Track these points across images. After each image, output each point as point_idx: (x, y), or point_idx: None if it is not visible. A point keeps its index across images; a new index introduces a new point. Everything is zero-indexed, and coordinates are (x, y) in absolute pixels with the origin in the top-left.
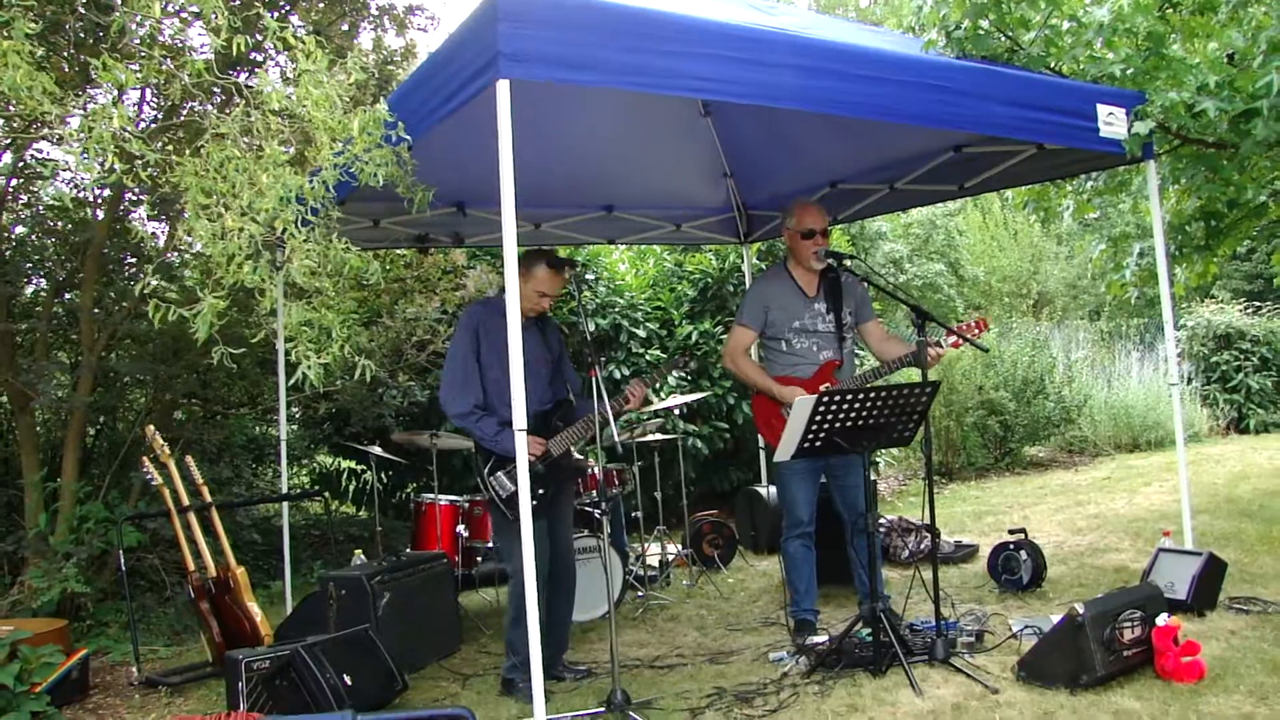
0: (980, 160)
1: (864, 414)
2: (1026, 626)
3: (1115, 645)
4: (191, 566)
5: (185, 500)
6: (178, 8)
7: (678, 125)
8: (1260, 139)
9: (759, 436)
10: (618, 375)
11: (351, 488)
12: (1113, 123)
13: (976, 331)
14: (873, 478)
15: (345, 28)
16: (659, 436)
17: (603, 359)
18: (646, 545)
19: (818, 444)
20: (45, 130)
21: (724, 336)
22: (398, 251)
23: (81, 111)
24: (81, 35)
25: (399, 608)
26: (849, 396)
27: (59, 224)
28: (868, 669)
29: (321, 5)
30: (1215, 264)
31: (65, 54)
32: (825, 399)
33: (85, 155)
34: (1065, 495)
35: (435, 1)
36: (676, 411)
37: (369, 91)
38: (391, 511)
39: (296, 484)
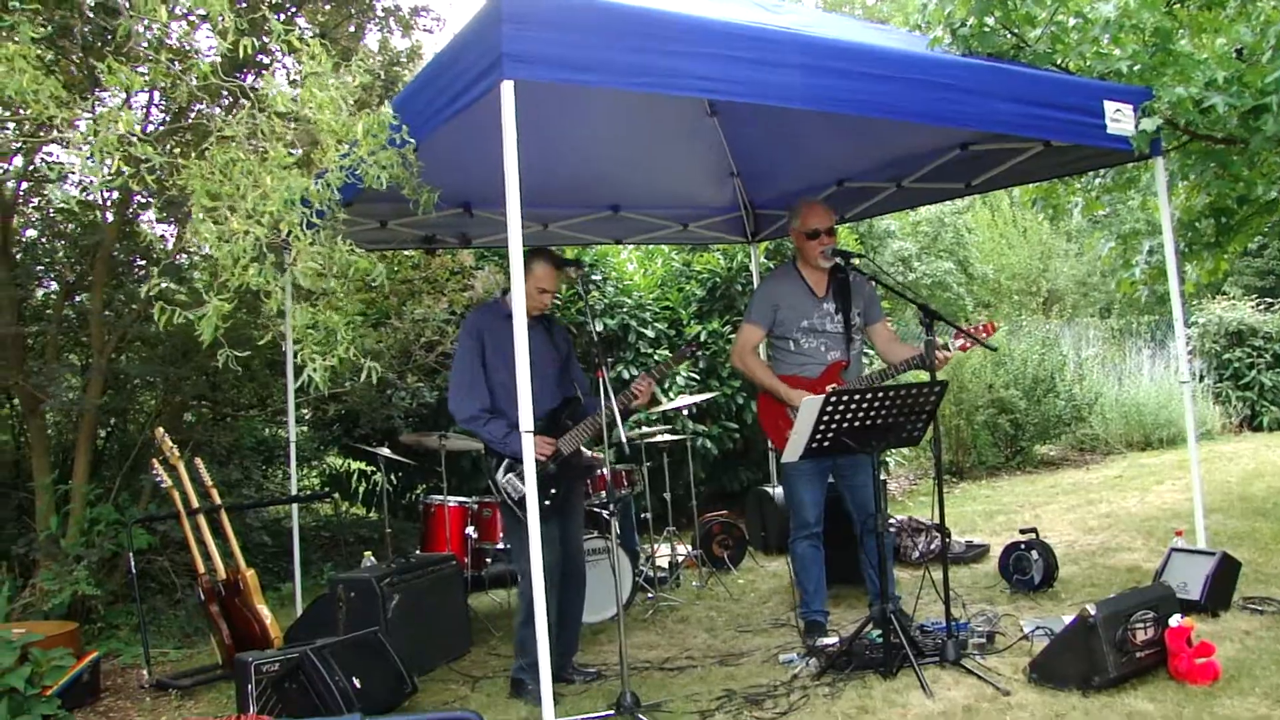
0: (987, 158)
1: (872, 414)
2: (1038, 627)
3: (1128, 646)
4: (201, 569)
5: (195, 502)
6: (185, 10)
7: (684, 125)
8: (1270, 134)
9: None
10: (626, 375)
11: (361, 489)
12: (1120, 119)
13: (984, 335)
14: (882, 477)
15: (351, 29)
16: (668, 437)
17: (611, 359)
18: (656, 546)
19: (826, 444)
20: (55, 134)
21: (733, 336)
22: (405, 253)
23: (90, 115)
24: (90, 39)
25: (408, 610)
26: (857, 396)
27: (69, 227)
28: (878, 671)
29: (328, 7)
30: (1226, 261)
31: (74, 58)
32: (833, 399)
33: (91, 159)
34: (1077, 494)
35: (441, 2)
36: (685, 412)
37: (375, 93)
38: (401, 513)
39: (306, 485)
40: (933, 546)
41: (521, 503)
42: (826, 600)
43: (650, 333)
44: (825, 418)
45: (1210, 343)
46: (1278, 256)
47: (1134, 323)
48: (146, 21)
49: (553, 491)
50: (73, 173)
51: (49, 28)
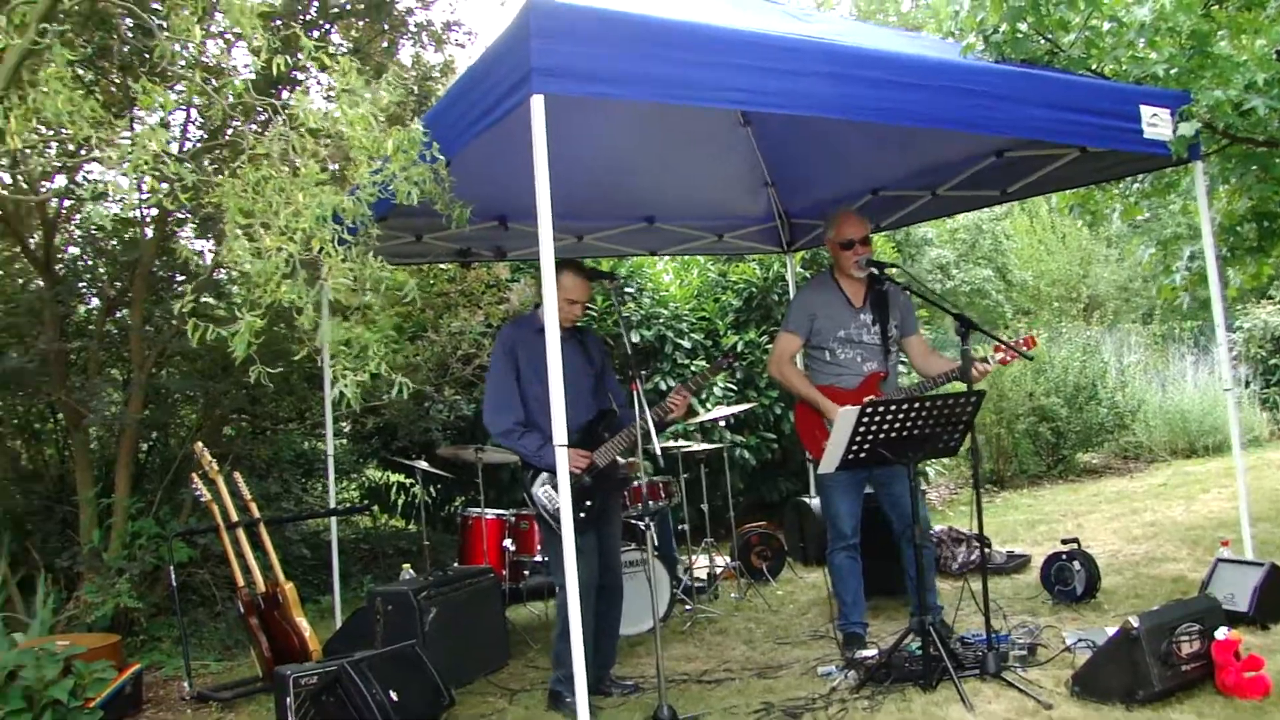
0: (1022, 165)
1: (909, 424)
2: (1080, 640)
3: (1173, 660)
4: (241, 582)
5: (234, 516)
6: (221, 29)
7: (717, 135)
8: None
9: None
10: (663, 387)
11: (400, 501)
12: (1157, 124)
13: (1025, 349)
14: (922, 487)
15: (385, 45)
16: (705, 447)
17: (647, 370)
18: (694, 557)
19: (862, 455)
20: (95, 153)
21: (769, 346)
22: (441, 266)
23: (129, 133)
24: (128, 58)
25: (446, 623)
26: (893, 407)
27: (109, 244)
28: (917, 683)
29: (361, 24)
30: (1270, 265)
31: (113, 77)
32: (869, 410)
33: (127, 178)
34: (1120, 503)
35: (473, 17)
36: (722, 423)
37: (409, 108)
38: (440, 525)
39: (346, 498)
40: (973, 557)
41: (557, 515)
42: (865, 612)
43: (686, 343)
44: (861, 429)
45: (1255, 348)
46: None
47: (1177, 328)
48: (183, 39)
49: (588, 504)
50: (103, 191)
51: (89, 48)
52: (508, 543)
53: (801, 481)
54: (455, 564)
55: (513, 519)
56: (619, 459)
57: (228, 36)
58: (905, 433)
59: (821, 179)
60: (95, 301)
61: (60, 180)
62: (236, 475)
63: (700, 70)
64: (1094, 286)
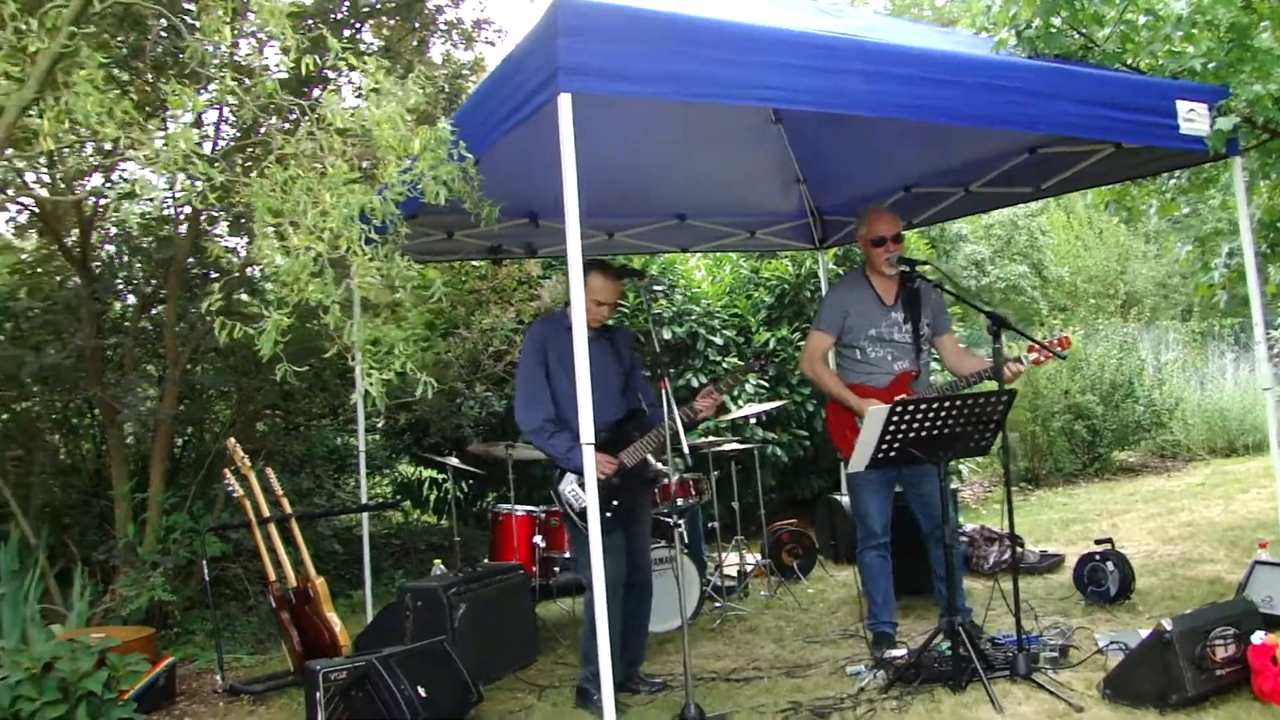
0: (1056, 161)
1: (939, 423)
2: (1112, 642)
3: (1207, 664)
4: (272, 577)
5: (265, 512)
6: (253, 29)
7: (748, 132)
8: None
9: None
10: (695, 384)
11: (433, 497)
12: (1193, 119)
13: (1059, 349)
14: (955, 485)
15: (415, 43)
16: (736, 445)
17: (679, 367)
18: (724, 555)
19: (892, 454)
20: (130, 152)
21: (802, 343)
22: (473, 263)
23: (163, 132)
24: (162, 58)
25: (475, 619)
26: (923, 406)
27: (145, 241)
28: (947, 684)
29: (392, 22)
30: None
31: (147, 78)
32: (899, 408)
33: (159, 176)
34: (1157, 502)
35: (503, 14)
36: (753, 420)
37: (439, 105)
38: (472, 520)
39: (379, 493)
40: (1005, 557)
41: (583, 514)
42: (895, 611)
43: (719, 340)
44: (891, 427)
45: None
46: None
47: (1216, 325)
48: (214, 42)
49: (614, 503)
50: (134, 193)
51: (124, 49)
52: (538, 539)
53: (833, 479)
54: (486, 560)
55: (543, 515)
56: (650, 458)
57: (260, 36)
58: (935, 431)
59: (854, 175)
60: (131, 298)
61: (97, 179)
62: (268, 471)
63: (729, 68)
64: (1132, 283)
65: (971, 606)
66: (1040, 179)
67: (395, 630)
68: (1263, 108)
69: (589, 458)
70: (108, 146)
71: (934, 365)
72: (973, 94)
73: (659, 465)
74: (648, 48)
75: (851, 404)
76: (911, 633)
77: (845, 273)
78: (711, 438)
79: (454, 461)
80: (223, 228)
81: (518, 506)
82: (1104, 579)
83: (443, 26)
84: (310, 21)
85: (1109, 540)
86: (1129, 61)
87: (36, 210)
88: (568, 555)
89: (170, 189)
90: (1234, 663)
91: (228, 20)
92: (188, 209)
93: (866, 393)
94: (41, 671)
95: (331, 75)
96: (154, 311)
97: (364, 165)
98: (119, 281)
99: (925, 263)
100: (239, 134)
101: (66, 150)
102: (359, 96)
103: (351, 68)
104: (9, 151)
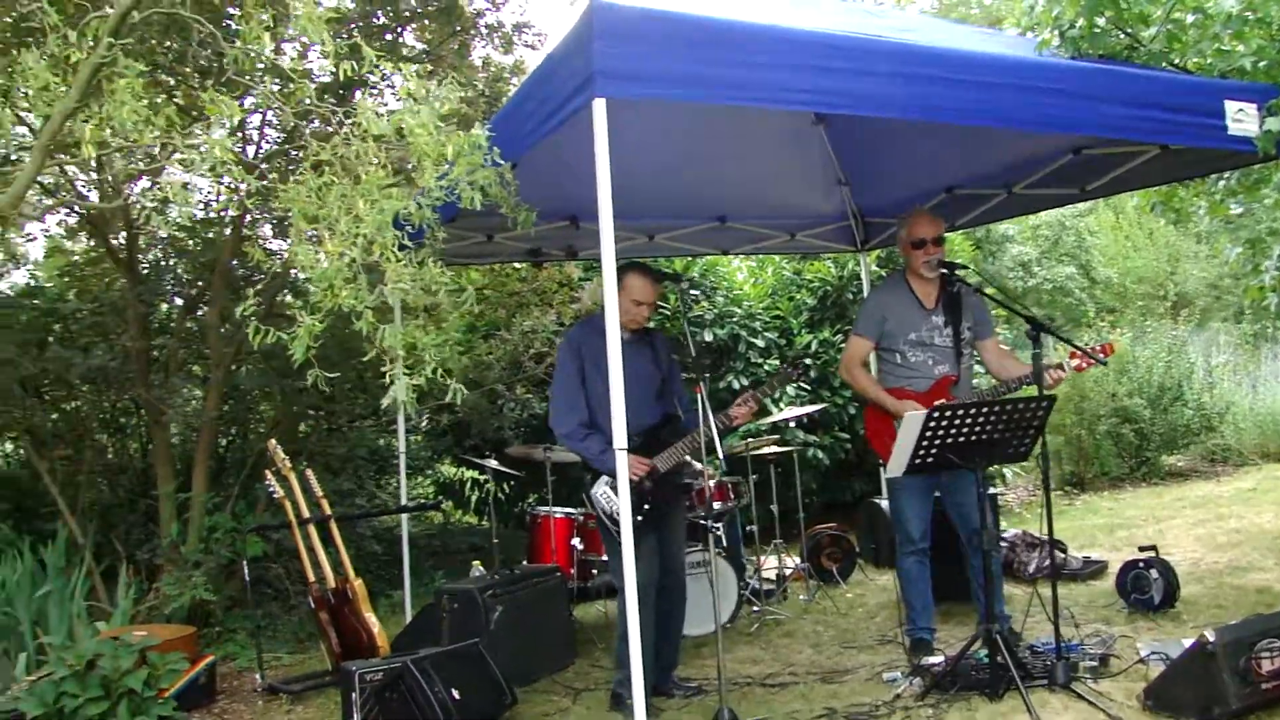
0: (1101, 162)
1: (977, 429)
2: (1154, 652)
3: (1252, 677)
4: (311, 577)
5: (306, 513)
6: (293, 35)
7: (789, 134)
8: None
9: None
10: (736, 386)
11: (474, 498)
12: (1242, 119)
13: (1101, 356)
14: (997, 490)
15: (456, 47)
16: (775, 449)
17: (719, 369)
18: (763, 559)
19: (929, 459)
20: (176, 156)
21: (844, 345)
22: (514, 265)
23: (203, 138)
24: (204, 64)
25: (511, 621)
26: (961, 411)
27: (190, 244)
28: (983, 692)
29: (434, 25)
30: None
31: (191, 83)
32: (937, 414)
33: (204, 179)
34: (1205, 508)
35: (543, 18)
36: (792, 423)
37: (479, 109)
38: (513, 521)
39: (420, 494)
40: (1046, 563)
41: (614, 517)
42: (934, 617)
43: (760, 342)
44: (929, 433)
45: None
46: None
47: (1269, 327)
48: (256, 49)
49: (646, 507)
50: (171, 199)
51: (169, 55)
52: (576, 541)
53: (875, 482)
54: (524, 562)
55: (581, 518)
56: (687, 460)
57: (302, 41)
58: (973, 437)
59: (896, 177)
60: (177, 301)
61: (144, 183)
62: (309, 473)
63: (767, 72)
64: (1182, 284)
65: (1011, 613)
66: (1085, 180)
67: (432, 632)
68: None
69: (621, 461)
70: (155, 151)
71: (977, 369)
72: (1015, 96)
73: (697, 465)
74: (685, 52)
75: (889, 406)
76: (950, 639)
77: (887, 275)
78: (750, 440)
79: (493, 463)
80: (267, 230)
81: (556, 509)
82: (1148, 586)
83: (483, 30)
84: (352, 26)
85: (1153, 548)
86: (1175, 61)
87: (85, 213)
88: (605, 557)
89: (213, 194)
90: None
91: (269, 27)
92: (231, 212)
93: (906, 397)
94: (85, 668)
95: (372, 79)
96: (199, 314)
97: (409, 166)
98: (166, 284)
99: (966, 266)
100: (282, 137)
101: (117, 155)
102: (400, 101)
103: (390, 73)
104: (59, 156)
